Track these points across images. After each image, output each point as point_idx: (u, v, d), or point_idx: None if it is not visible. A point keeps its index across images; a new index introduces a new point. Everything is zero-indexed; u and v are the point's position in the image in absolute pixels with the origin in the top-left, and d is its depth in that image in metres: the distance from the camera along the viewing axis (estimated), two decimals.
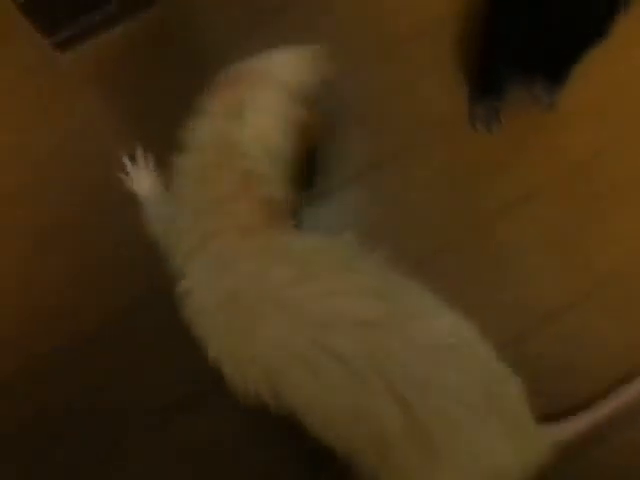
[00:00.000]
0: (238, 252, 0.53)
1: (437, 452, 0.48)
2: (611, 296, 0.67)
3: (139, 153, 0.78)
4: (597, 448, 0.64)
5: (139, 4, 0.84)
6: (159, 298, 0.71)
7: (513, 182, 0.71)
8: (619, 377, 0.64)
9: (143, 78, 0.84)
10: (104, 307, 0.73)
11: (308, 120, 0.60)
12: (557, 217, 0.70)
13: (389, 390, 0.47)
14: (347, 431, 0.50)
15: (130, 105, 0.83)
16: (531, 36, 0.56)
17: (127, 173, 0.77)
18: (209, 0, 0.86)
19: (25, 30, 0.81)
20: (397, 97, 0.78)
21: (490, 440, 0.49)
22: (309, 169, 0.65)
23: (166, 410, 0.68)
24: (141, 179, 0.75)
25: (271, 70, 0.60)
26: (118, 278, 0.74)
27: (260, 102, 0.58)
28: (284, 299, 0.50)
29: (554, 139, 0.74)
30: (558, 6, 0.52)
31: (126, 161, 0.78)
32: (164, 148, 0.79)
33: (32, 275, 0.76)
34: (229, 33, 0.84)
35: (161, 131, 0.80)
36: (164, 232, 0.64)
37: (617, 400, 0.62)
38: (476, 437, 0.48)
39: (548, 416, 0.58)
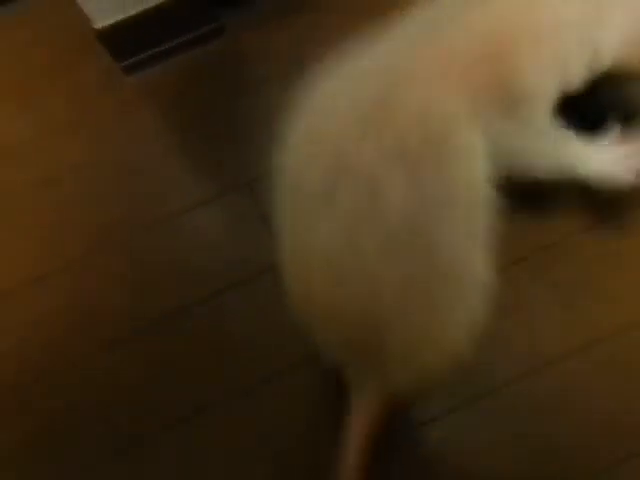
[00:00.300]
0: None
1: None
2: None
3: None
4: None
5: (208, 35, 0.94)
6: (198, 308, 0.78)
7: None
8: None
9: (202, 102, 0.92)
10: (143, 312, 0.79)
11: None
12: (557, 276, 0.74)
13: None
14: None
15: (188, 127, 0.91)
16: None
17: None
18: (278, 31, 0.94)
19: (94, 51, 0.91)
20: None
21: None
22: None
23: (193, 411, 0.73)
24: None
25: None
26: (163, 285, 0.80)
27: None
28: None
29: None
30: None
31: None
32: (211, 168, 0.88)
33: (80, 275, 0.84)
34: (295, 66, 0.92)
35: (211, 152, 0.89)
36: None
37: None
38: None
39: None
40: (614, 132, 0.58)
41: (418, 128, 0.48)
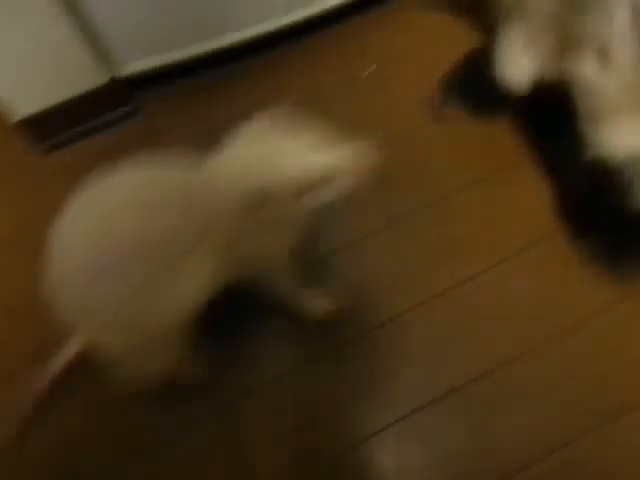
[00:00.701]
0: None
1: None
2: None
3: None
4: None
5: (124, 115, 1.04)
6: None
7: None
8: None
9: None
10: None
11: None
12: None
13: None
14: None
15: None
16: None
17: None
18: (188, 110, 1.05)
19: (15, 133, 0.99)
20: None
21: None
22: None
23: None
24: None
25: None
26: None
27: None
28: None
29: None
30: None
31: None
32: None
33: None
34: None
35: None
36: None
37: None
38: None
39: None
40: None
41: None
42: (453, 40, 1.01)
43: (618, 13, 0.69)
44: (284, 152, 0.65)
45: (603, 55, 0.72)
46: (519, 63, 0.83)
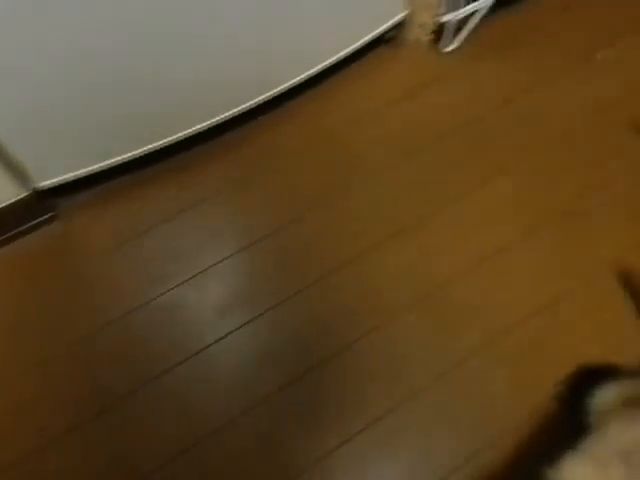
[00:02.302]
0: None
1: None
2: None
3: None
4: None
5: (42, 222, 1.14)
6: None
7: None
8: None
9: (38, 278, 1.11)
10: None
11: None
12: None
13: None
14: None
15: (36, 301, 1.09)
16: None
17: None
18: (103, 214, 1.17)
19: None
20: None
21: None
22: None
23: None
24: None
25: None
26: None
27: None
28: None
29: None
30: None
31: None
32: None
33: None
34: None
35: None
36: None
37: None
38: None
39: None
40: None
41: None
42: None
43: None
44: None
45: None
46: None
